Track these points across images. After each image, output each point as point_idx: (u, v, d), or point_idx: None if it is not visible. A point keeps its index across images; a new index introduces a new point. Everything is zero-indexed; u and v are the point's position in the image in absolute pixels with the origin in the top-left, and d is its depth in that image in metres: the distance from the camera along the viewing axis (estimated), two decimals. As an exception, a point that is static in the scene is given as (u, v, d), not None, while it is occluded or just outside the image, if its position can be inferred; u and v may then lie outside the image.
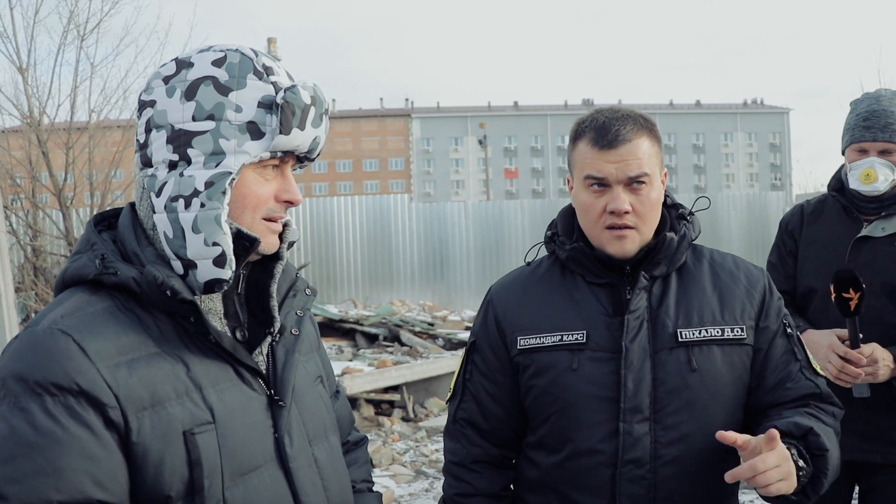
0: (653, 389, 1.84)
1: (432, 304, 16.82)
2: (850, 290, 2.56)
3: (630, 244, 1.88)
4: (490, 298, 2.06)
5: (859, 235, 2.92)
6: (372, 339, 11.69)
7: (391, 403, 8.77)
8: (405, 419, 8.55)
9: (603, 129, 1.87)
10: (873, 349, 2.65)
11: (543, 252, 2.10)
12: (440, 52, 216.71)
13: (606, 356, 1.86)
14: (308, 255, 17.06)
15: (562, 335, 1.90)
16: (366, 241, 17.81)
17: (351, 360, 10.13)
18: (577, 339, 1.88)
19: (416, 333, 11.95)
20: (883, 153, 2.87)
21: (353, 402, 8.39)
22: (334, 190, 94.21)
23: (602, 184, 1.87)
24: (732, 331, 1.89)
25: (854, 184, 2.90)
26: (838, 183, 3.07)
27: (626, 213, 1.85)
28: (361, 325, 11.94)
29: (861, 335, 2.66)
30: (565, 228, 2.03)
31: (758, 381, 1.93)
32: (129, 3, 16.43)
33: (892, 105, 2.89)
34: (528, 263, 2.08)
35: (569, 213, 2.05)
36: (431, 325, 12.98)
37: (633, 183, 1.86)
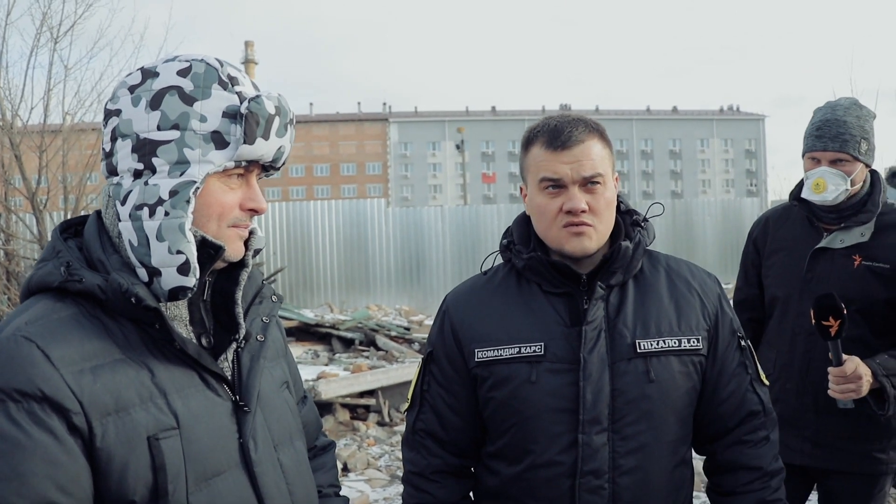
0: (611, 400, 1.85)
1: (409, 309, 16.82)
2: (830, 318, 2.55)
3: (588, 241, 1.88)
4: (446, 308, 2.05)
5: (817, 247, 2.92)
6: (348, 343, 11.67)
7: (367, 408, 8.77)
8: (380, 423, 8.55)
9: (556, 131, 1.89)
10: (856, 365, 2.64)
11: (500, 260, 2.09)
12: (418, 56, 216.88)
13: (565, 367, 1.86)
14: (284, 259, 17.01)
15: (519, 347, 1.89)
16: (342, 246, 17.78)
17: (326, 365, 10.11)
18: (534, 350, 1.88)
19: (392, 338, 11.95)
20: (834, 163, 2.87)
21: (329, 406, 8.39)
22: (311, 194, 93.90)
23: (557, 185, 1.88)
24: (689, 341, 1.92)
25: (806, 193, 2.91)
26: (799, 191, 3.05)
27: (583, 211, 1.86)
28: (337, 329, 11.91)
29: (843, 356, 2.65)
30: (521, 237, 2.03)
31: (711, 391, 1.97)
32: (104, 6, 16.27)
33: (847, 115, 2.89)
34: (485, 273, 2.07)
35: (524, 222, 2.05)
36: (408, 329, 12.97)
37: (588, 183, 1.87)
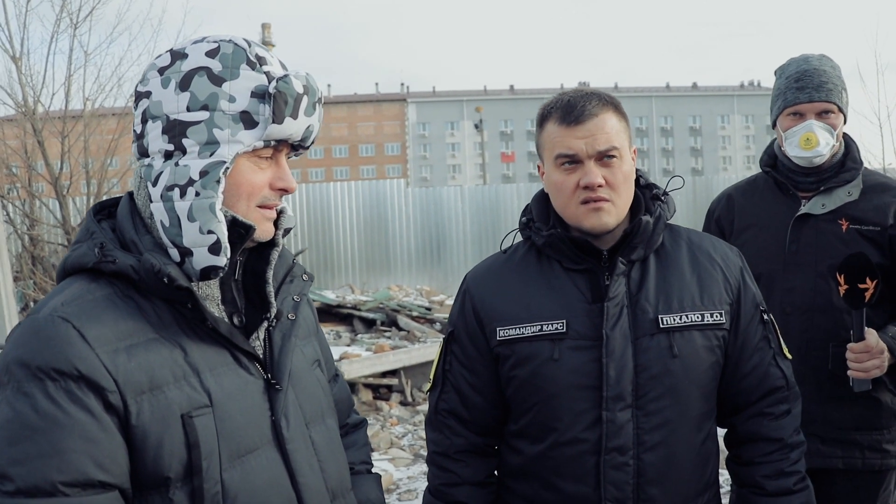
0: (635, 376, 1.84)
1: (429, 289, 16.85)
2: (867, 280, 2.37)
3: (607, 216, 1.86)
4: (466, 287, 2.04)
5: (799, 214, 2.69)
6: (369, 324, 11.72)
7: (389, 388, 8.82)
8: (403, 403, 8.60)
9: (569, 106, 1.88)
10: (878, 339, 2.46)
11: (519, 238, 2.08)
12: (436, 36, 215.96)
13: (587, 344, 1.86)
14: (305, 240, 17.08)
15: (541, 325, 1.88)
16: (363, 227, 17.82)
17: (349, 345, 10.17)
18: (557, 328, 1.87)
19: (413, 318, 11.99)
20: (821, 115, 2.64)
21: (352, 386, 8.44)
22: (331, 175, 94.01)
23: (573, 160, 1.87)
24: (712, 315, 1.90)
25: (794, 151, 2.66)
26: (771, 158, 2.84)
27: (600, 185, 1.84)
28: (359, 310, 11.97)
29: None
30: (540, 214, 2.01)
31: (733, 365, 1.96)
32: (122, -10, 16.32)
33: (823, 65, 2.67)
34: (505, 251, 2.06)
35: (542, 199, 2.03)
36: (429, 309, 13.02)
37: (604, 157, 1.86)
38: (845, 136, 2.76)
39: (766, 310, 2.01)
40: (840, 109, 2.66)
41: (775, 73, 2.83)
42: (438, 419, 2.06)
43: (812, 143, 2.62)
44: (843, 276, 2.44)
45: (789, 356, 2.03)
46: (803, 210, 2.69)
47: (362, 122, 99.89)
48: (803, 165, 2.69)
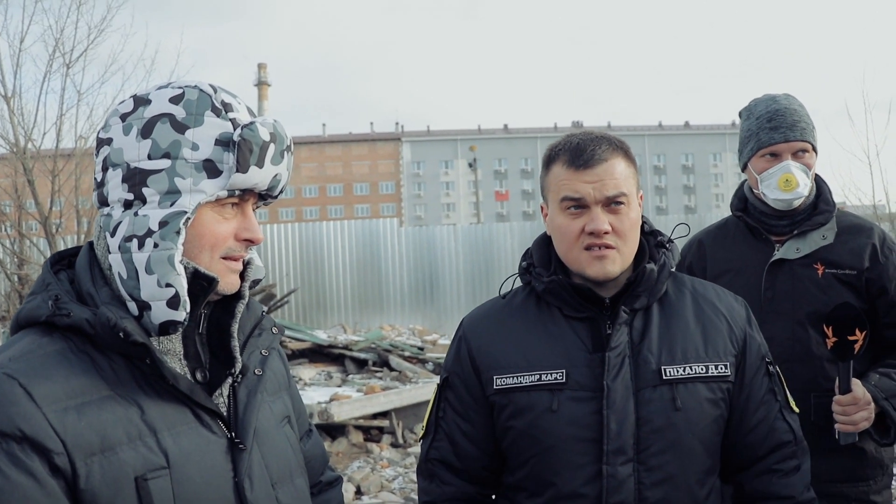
0: (636, 429, 1.78)
1: (422, 328, 16.75)
2: (856, 331, 2.30)
3: (611, 265, 1.82)
4: (463, 333, 1.99)
5: (773, 259, 2.61)
6: (361, 364, 11.61)
7: (380, 429, 8.70)
8: (394, 445, 8.48)
9: (578, 149, 1.84)
10: (864, 390, 2.39)
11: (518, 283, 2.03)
12: (431, 75, 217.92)
13: (587, 395, 1.80)
14: (297, 280, 17.01)
15: (540, 374, 1.83)
16: (355, 266, 17.78)
17: (340, 386, 10.05)
18: (556, 377, 1.82)
19: (405, 358, 11.88)
20: (797, 154, 2.57)
21: (342, 428, 8.33)
22: (325, 214, 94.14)
23: (580, 205, 1.82)
24: (717, 367, 1.84)
25: (773, 194, 2.56)
26: (741, 202, 2.75)
27: (606, 233, 1.80)
28: (350, 350, 11.87)
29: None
30: (541, 259, 1.96)
31: (738, 419, 1.89)
32: (116, 31, 16.37)
33: (792, 103, 2.60)
34: (503, 296, 2.01)
35: (544, 243, 1.98)
36: (421, 349, 12.92)
37: (612, 203, 1.81)
38: (817, 177, 2.70)
39: (771, 361, 1.95)
40: (814, 148, 2.60)
41: (740, 114, 2.77)
42: (428, 467, 1.99)
43: (792, 184, 2.54)
44: (830, 329, 2.37)
45: (796, 409, 1.96)
46: (777, 255, 2.61)
47: (357, 160, 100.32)
48: (781, 208, 2.62)
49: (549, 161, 1.91)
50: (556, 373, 1.82)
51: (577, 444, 1.79)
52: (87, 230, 10.53)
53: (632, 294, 1.85)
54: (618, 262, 1.83)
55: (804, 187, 2.55)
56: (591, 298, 1.85)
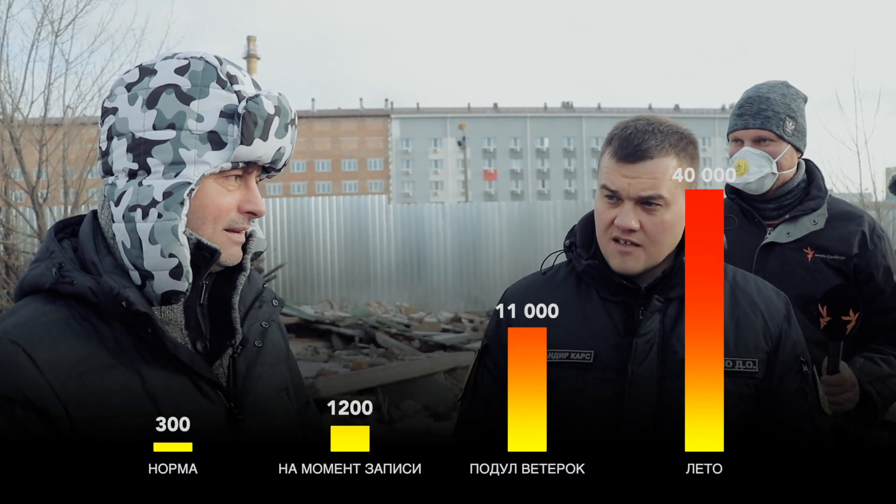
0: (656, 417, 1.79)
1: (409, 306, 16.80)
2: (850, 312, 2.33)
3: (633, 262, 1.82)
4: (503, 304, 1.98)
5: (764, 243, 2.66)
6: (348, 340, 11.66)
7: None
8: (380, 421, 8.52)
9: (626, 140, 1.81)
10: (851, 372, 2.42)
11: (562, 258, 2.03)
12: (422, 53, 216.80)
13: (612, 378, 1.81)
14: (285, 255, 16.99)
15: (570, 352, 1.84)
16: (343, 242, 17.78)
17: (326, 362, 10.09)
18: (584, 357, 1.83)
19: (392, 335, 11.93)
20: (757, 142, 2.63)
21: (327, 403, 8.35)
22: (313, 189, 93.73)
23: (615, 196, 1.82)
24: (744, 363, 1.84)
25: (730, 178, 2.61)
26: (734, 186, 2.80)
27: (633, 231, 1.79)
28: (337, 326, 11.92)
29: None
30: (584, 240, 1.96)
31: (763, 415, 1.87)
32: (105, 0, 16.21)
33: (770, 92, 2.66)
34: (544, 272, 2.01)
35: (589, 224, 1.96)
36: (408, 326, 12.97)
37: (646, 203, 1.80)
38: (809, 163, 2.74)
39: (806, 361, 1.92)
40: (781, 137, 2.63)
41: None
42: (465, 428, 2.03)
43: (742, 169, 2.60)
44: (825, 308, 2.38)
45: (829, 412, 1.95)
46: (769, 239, 2.66)
47: (346, 136, 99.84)
48: (750, 192, 2.67)
49: (606, 143, 1.90)
50: (585, 353, 1.84)
51: (599, 425, 1.81)
52: (75, 201, 10.47)
53: (667, 284, 1.85)
54: (642, 260, 1.83)
55: (754, 174, 2.61)
56: (626, 287, 1.86)
